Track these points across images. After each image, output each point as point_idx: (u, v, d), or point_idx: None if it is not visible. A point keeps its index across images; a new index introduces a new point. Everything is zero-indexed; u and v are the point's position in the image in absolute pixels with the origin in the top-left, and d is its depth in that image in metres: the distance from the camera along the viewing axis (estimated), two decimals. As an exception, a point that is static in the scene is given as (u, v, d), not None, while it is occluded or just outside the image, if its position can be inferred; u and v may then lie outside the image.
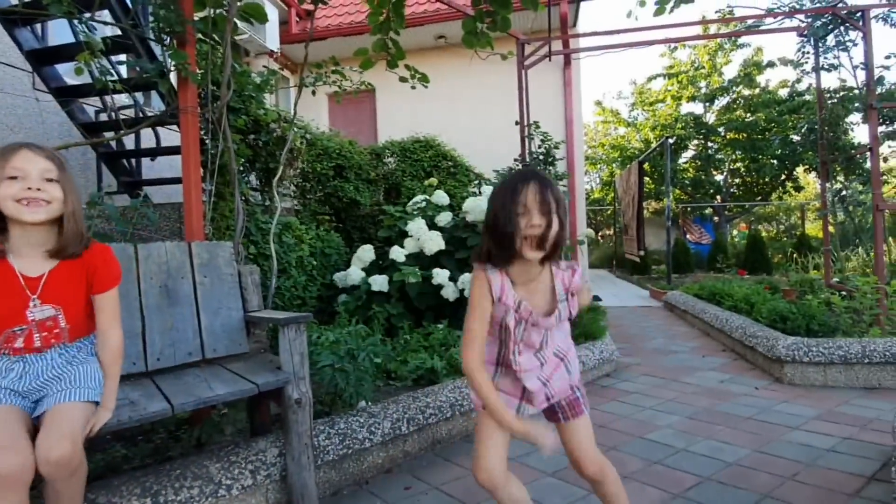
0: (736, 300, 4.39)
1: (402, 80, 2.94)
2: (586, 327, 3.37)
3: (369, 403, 2.04)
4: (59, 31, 3.36)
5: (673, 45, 12.55)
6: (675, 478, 1.83)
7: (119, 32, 2.51)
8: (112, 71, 2.56)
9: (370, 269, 3.48)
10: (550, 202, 1.08)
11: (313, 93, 2.92)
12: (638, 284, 8.21)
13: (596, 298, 6.20)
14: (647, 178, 12.81)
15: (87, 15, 1.92)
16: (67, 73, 3.08)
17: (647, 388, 2.93)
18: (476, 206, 3.58)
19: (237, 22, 2.17)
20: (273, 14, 5.86)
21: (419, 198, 3.91)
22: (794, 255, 8.17)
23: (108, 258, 1.28)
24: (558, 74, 6.87)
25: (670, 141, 8.21)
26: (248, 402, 1.85)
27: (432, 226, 3.60)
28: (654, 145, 11.86)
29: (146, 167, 3.52)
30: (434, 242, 3.33)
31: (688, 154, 13.59)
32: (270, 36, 6.06)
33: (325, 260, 3.62)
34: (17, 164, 1.11)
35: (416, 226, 3.48)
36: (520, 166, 3.64)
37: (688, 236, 12.29)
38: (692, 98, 13.04)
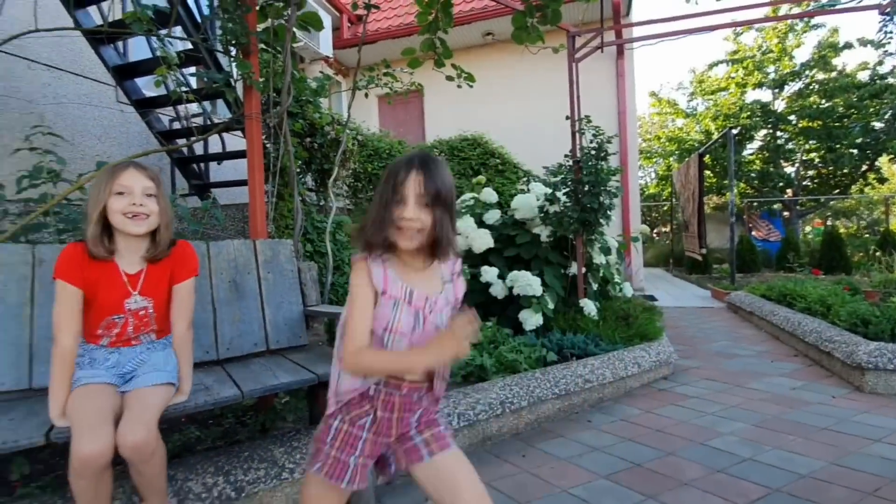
0: (810, 302, 4.06)
1: (449, 78, 2.97)
2: (641, 327, 3.25)
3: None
4: (137, 48, 3.67)
5: (738, 28, 11.76)
6: (741, 488, 1.73)
7: (189, 46, 2.70)
8: (185, 82, 2.76)
9: (420, 267, 3.54)
10: (431, 194, 0.94)
11: (366, 95, 3.01)
12: (697, 284, 7.79)
13: (651, 298, 5.95)
14: (707, 172, 12.11)
15: (164, 31, 2.09)
16: (145, 85, 3.37)
17: (709, 393, 2.78)
18: (525, 204, 3.54)
19: (295, 31, 2.28)
20: (326, 21, 6.08)
21: (467, 196, 3.92)
22: (877, 254, 7.42)
23: (188, 253, 1.42)
24: (611, 66, 6.65)
25: (734, 131, 7.71)
26: (307, 391, 1.95)
27: (480, 224, 3.61)
28: (715, 136, 11.17)
29: (213, 170, 3.78)
30: (482, 240, 3.33)
31: (754, 145, 12.69)
32: (324, 42, 6.29)
33: (377, 257, 3.72)
34: (124, 182, 1.27)
35: (465, 224, 3.50)
36: (570, 163, 3.57)
37: (754, 233, 11.49)
38: (759, 84, 12.15)
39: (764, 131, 12.19)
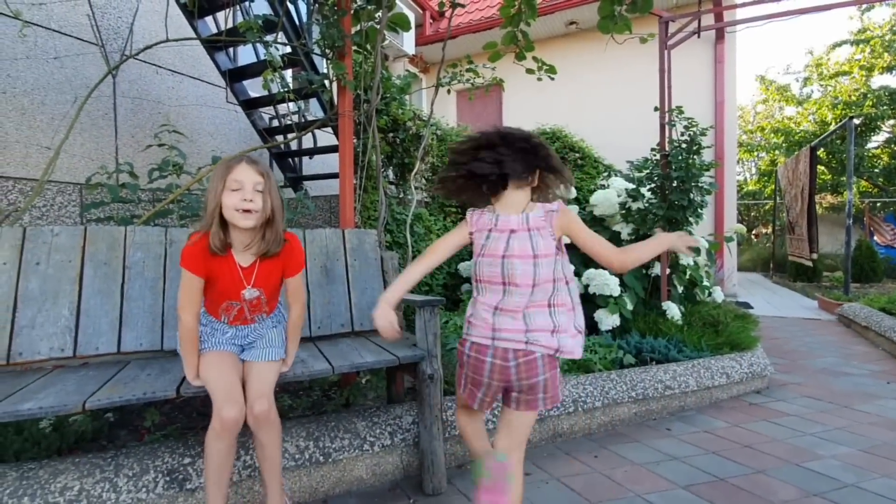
0: (945, 319, 3.50)
1: (529, 71, 2.94)
2: (732, 336, 3.01)
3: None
4: (244, 54, 4.06)
5: (865, 4, 10.28)
6: (843, 516, 1.57)
7: (288, 50, 2.94)
8: (288, 84, 3.01)
9: (494, 261, 3.57)
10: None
11: (448, 92, 3.08)
12: (802, 293, 7.00)
13: (745, 305, 5.47)
14: (821, 167, 10.76)
15: (271, 37, 2.30)
16: (250, 87, 3.72)
17: (809, 412, 2.52)
18: (605, 200, 3.42)
19: (384, 32, 2.40)
20: (411, 19, 6.26)
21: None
22: None
23: (297, 250, 1.50)
24: (708, 52, 6.15)
25: (855, 122, 6.76)
26: (386, 372, 2.07)
27: (558, 219, 3.54)
28: (832, 127, 9.87)
29: (305, 164, 4.08)
30: (559, 236, 3.27)
31: (879, 137, 11.02)
32: (407, 40, 6.49)
33: (452, 250, 3.81)
34: (238, 177, 1.33)
35: (541, 219, 3.45)
36: (657, 157, 3.37)
37: (875, 238, 10.03)
38: (888, 68, 10.50)
39: (893, 121, 10.53)
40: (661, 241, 1.32)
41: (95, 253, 1.70)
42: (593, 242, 1.28)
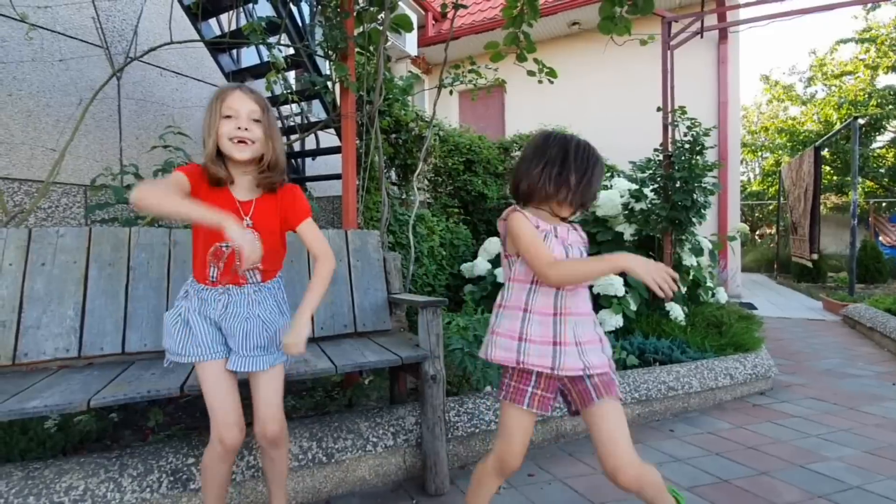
0: (951, 319, 3.48)
1: (531, 74, 2.94)
2: (736, 337, 3.00)
3: (495, 389, 2.12)
4: (247, 55, 4.08)
5: (870, 3, 10.24)
6: (848, 518, 1.56)
7: (291, 52, 2.96)
8: (291, 85, 3.03)
9: (496, 261, 3.57)
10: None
11: (451, 93, 3.08)
12: (807, 293, 6.97)
13: (749, 306, 5.45)
14: (826, 168, 10.71)
15: (274, 39, 2.31)
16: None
17: (814, 413, 2.51)
18: (607, 200, 3.42)
19: (387, 33, 2.41)
20: (412, 19, 6.28)
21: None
22: None
23: (297, 194, 1.34)
24: (711, 52, 6.14)
25: (860, 121, 6.72)
26: (389, 372, 2.08)
27: (560, 220, 3.54)
28: (837, 127, 9.82)
29: (307, 165, 4.10)
30: (562, 237, 3.27)
31: (885, 137, 10.97)
32: (409, 41, 6.50)
33: (454, 251, 3.81)
34: (232, 104, 1.20)
35: (544, 219, 3.45)
36: (660, 157, 3.37)
37: (881, 238, 9.97)
38: (894, 68, 10.46)
39: (899, 121, 10.50)
40: (613, 262, 1.11)
41: (100, 254, 1.71)
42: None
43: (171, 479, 1.45)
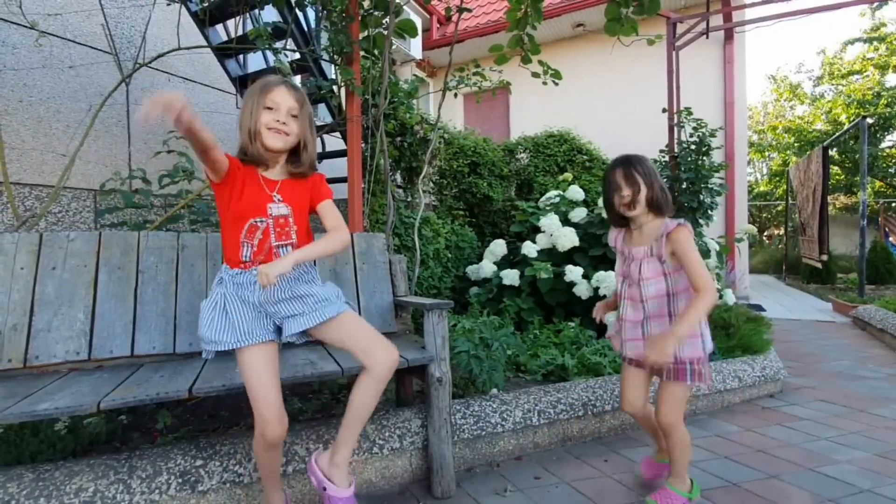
0: (965, 321, 3.43)
1: (535, 75, 2.94)
2: (744, 339, 2.98)
3: (501, 391, 2.12)
4: (253, 60, 4.11)
5: (877, 2, 10.13)
6: (859, 522, 1.54)
7: (297, 57, 2.98)
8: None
9: (501, 264, 3.57)
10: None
11: (455, 95, 3.09)
12: (816, 295, 6.90)
13: (757, 308, 5.40)
14: (834, 168, 10.62)
15: (280, 44, 2.33)
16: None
17: (824, 416, 2.48)
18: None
19: (392, 38, 2.42)
20: (417, 24, 6.31)
21: (552, 193, 3.86)
22: None
23: (323, 180, 1.44)
24: (717, 52, 6.11)
25: (868, 121, 6.66)
26: (395, 375, 2.07)
27: (566, 222, 3.54)
28: (846, 126, 9.73)
29: (314, 169, 4.12)
30: (567, 239, 3.27)
31: (894, 136, 10.86)
32: (414, 44, 6.53)
33: (459, 253, 3.81)
34: (275, 98, 1.29)
35: (549, 222, 3.45)
36: (666, 158, 3.35)
37: (891, 239, 9.85)
38: (904, 66, 10.37)
39: (909, 120, 10.38)
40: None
41: (110, 258, 1.73)
42: None
43: (180, 480, 1.46)
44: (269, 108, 1.29)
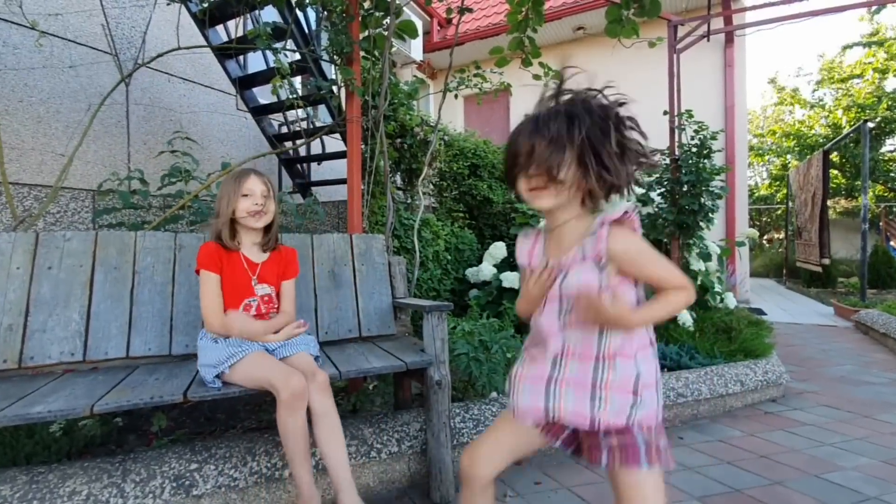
0: (968, 325, 3.41)
1: (536, 77, 2.93)
2: (745, 343, 2.96)
3: (500, 394, 2.09)
4: (253, 62, 4.11)
5: (876, 6, 10.13)
6: (865, 530, 1.52)
7: (297, 58, 2.97)
8: (297, 90, 3.04)
9: (501, 266, 3.55)
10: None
11: (455, 97, 3.08)
12: (817, 299, 6.87)
13: (758, 312, 5.38)
14: (835, 171, 10.60)
15: (280, 45, 2.32)
16: (260, 94, 3.75)
17: (828, 422, 2.46)
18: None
19: (392, 39, 2.41)
20: (418, 27, 6.31)
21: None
22: None
23: (294, 258, 1.70)
24: (718, 55, 6.11)
25: (869, 125, 6.65)
26: (394, 378, 2.06)
27: (566, 224, 3.51)
28: (846, 130, 9.73)
29: (312, 170, 4.11)
30: (568, 241, 3.24)
31: (895, 140, 10.85)
32: (415, 47, 6.53)
33: (459, 255, 3.79)
34: (249, 186, 1.54)
35: (550, 224, 3.43)
36: (667, 161, 3.35)
37: (892, 242, 9.83)
38: (903, 70, 10.37)
39: (910, 124, 10.37)
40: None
41: (106, 258, 1.71)
42: None
43: (174, 484, 1.44)
44: (246, 196, 1.53)
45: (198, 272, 1.52)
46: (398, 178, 3.76)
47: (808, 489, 1.77)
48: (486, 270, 3.48)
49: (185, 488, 1.44)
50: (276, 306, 1.63)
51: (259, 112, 3.62)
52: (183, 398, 1.32)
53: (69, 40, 3.07)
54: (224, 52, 3.22)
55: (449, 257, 3.61)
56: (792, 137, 12.38)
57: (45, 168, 2.91)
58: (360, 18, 2.32)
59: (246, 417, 2.11)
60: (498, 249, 3.61)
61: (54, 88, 2.97)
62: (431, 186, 4.46)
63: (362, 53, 2.45)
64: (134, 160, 3.39)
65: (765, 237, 12.96)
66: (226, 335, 1.49)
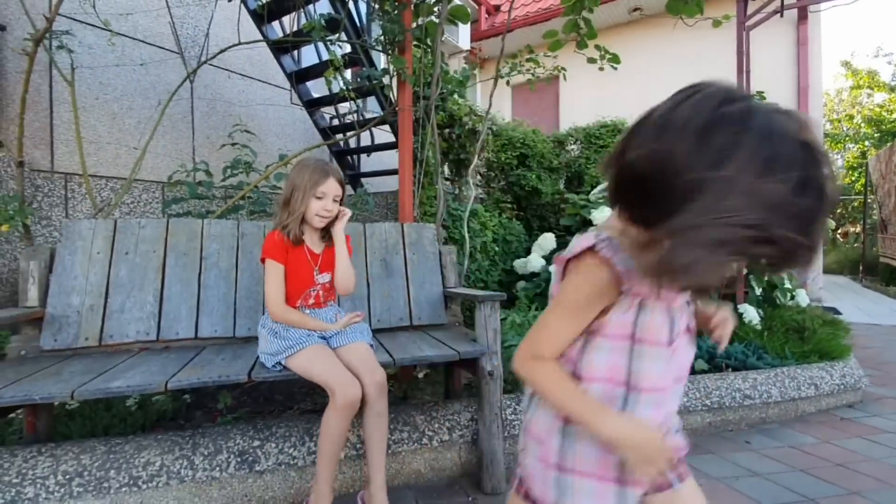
0: None
1: (591, 60, 2.82)
2: (820, 343, 2.73)
3: (552, 388, 2.04)
4: (306, 57, 4.21)
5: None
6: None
7: (349, 50, 3.01)
8: (349, 82, 3.09)
9: (550, 258, 3.47)
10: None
11: (507, 83, 3.01)
12: (899, 298, 6.27)
13: (833, 311, 4.97)
14: (922, 159, 9.57)
15: (334, 37, 2.35)
16: (313, 88, 3.84)
17: (915, 431, 2.23)
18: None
19: (443, 27, 2.38)
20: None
21: (604, 185, 3.69)
22: None
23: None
24: (790, 33, 5.64)
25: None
26: (444, 367, 2.06)
27: (620, 215, 3.38)
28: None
29: (362, 162, 4.17)
30: (622, 232, 3.11)
31: None
32: (462, 36, 6.47)
33: (507, 246, 3.74)
34: (324, 189, 1.54)
35: (601, 215, 3.31)
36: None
37: None
38: None
39: None
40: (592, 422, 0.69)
41: (176, 244, 1.81)
42: None
43: (239, 460, 1.51)
44: (319, 198, 1.54)
45: (263, 261, 1.55)
46: (446, 169, 3.75)
47: (888, 501, 1.62)
48: (534, 262, 3.41)
49: (249, 464, 1.51)
50: (333, 293, 1.66)
51: (312, 105, 3.71)
52: (247, 378, 1.38)
53: (139, 40, 3.26)
54: (280, 47, 3.32)
55: (497, 248, 3.56)
56: (871, 123, 11.28)
57: (120, 161, 3.12)
58: (412, 6, 2.31)
59: (301, 399, 2.18)
60: (547, 241, 3.53)
61: (127, 86, 3.17)
62: (479, 177, 4.41)
63: (413, 42, 2.44)
64: (198, 153, 3.57)
65: (839, 231, 11.95)
66: (285, 323, 1.52)
